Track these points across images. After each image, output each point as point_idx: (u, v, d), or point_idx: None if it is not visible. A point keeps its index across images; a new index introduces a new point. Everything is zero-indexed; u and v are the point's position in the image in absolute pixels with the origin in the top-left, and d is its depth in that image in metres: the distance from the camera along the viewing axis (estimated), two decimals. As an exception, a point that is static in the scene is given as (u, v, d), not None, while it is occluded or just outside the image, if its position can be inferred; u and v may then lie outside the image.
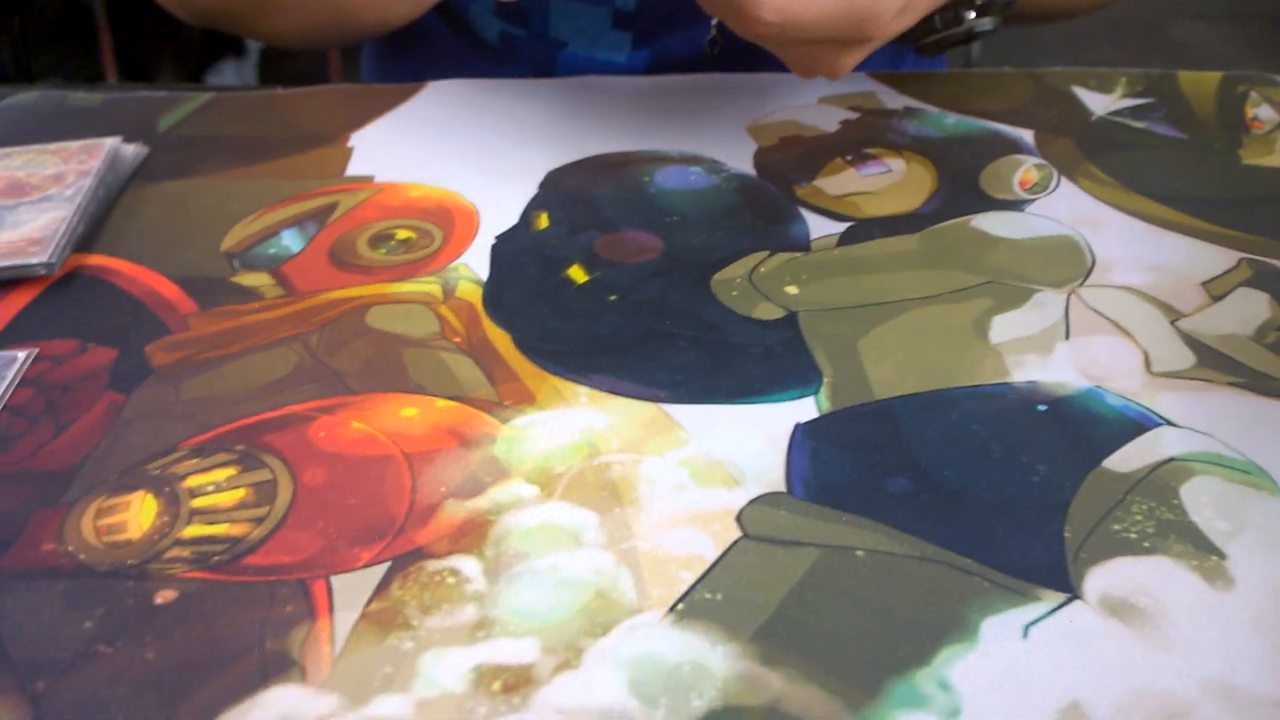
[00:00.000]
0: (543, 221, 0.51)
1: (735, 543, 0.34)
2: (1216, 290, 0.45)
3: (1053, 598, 0.32)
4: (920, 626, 0.32)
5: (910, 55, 0.74)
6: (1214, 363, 0.41)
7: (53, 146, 0.56)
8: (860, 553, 0.34)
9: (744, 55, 0.66)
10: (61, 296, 0.47)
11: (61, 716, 0.30)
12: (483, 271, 0.48)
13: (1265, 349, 0.42)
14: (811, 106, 0.60)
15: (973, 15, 0.56)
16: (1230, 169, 0.54)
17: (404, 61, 0.76)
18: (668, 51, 0.69)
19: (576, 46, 0.69)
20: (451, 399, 0.40)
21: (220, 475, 0.37)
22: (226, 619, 0.32)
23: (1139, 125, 0.58)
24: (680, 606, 0.32)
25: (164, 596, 0.33)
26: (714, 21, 0.67)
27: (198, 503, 0.36)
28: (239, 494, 0.36)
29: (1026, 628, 0.31)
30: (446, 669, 0.31)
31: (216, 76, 2.04)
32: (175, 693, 0.30)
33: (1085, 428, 0.38)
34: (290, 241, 0.50)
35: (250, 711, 0.30)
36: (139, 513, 0.36)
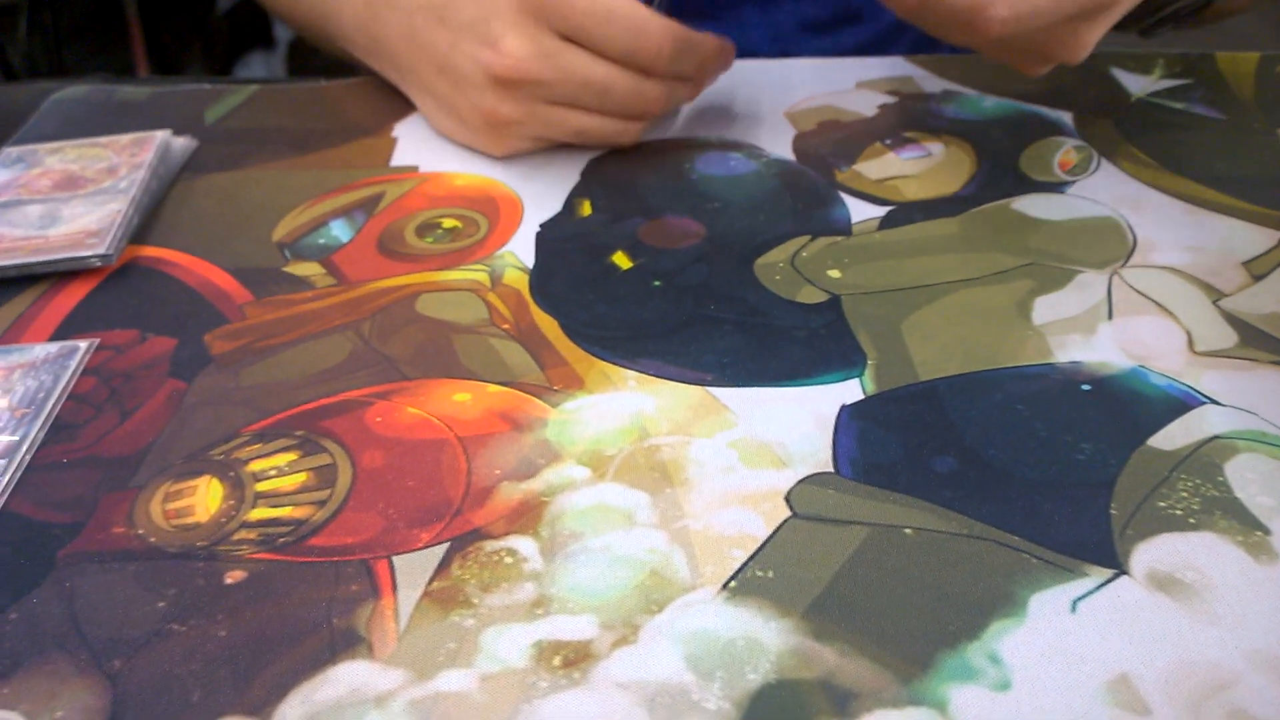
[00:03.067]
0: (586, 209, 0.52)
1: (785, 522, 0.35)
2: (1258, 270, 0.46)
3: (1100, 573, 0.33)
4: (969, 602, 0.32)
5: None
6: (1257, 341, 0.42)
7: (104, 140, 0.57)
8: (909, 530, 0.35)
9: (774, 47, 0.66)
10: (119, 288, 0.48)
11: (138, 693, 0.31)
12: (529, 259, 0.48)
13: (1308, 327, 0.42)
14: (849, 91, 0.60)
15: None
16: (1269, 149, 0.54)
17: None
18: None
19: None
20: (502, 384, 0.41)
21: (282, 460, 0.38)
22: (295, 598, 0.33)
23: (1178, 106, 0.58)
24: (733, 584, 0.33)
25: (233, 577, 0.34)
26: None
27: (262, 486, 0.37)
28: (301, 478, 0.37)
29: (1075, 602, 0.32)
30: (508, 645, 0.32)
31: (246, 69, 2.06)
32: (248, 668, 0.31)
33: (1129, 407, 0.39)
34: (339, 231, 0.51)
35: (321, 686, 0.31)
36: (205, 496, 0.37)
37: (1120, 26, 0.51)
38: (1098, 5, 0.45)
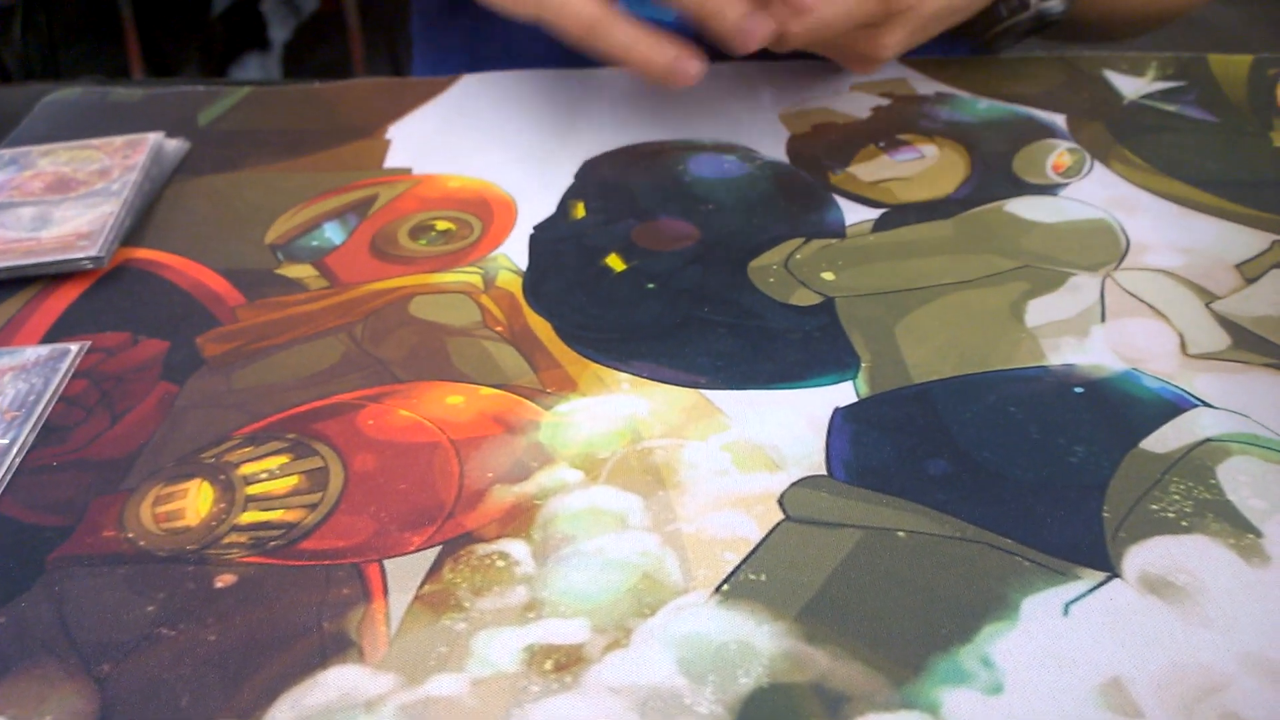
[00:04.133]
0: (580, 211, 0.52)
1: (778, 525, 0.35)
2: (1250, 272, 0.46)
3: (1092, 576, 0.33)
4: (962, 605, 0.32)
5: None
6: (1249, 344, 0.42)
7: (96, 142, 0.57)
8: (901, 533, 0.35)
9: None
10: (111, 290, 0.48)
11: (127, 697, 0.31)
12: (522, 261, 0.48)
13: (1300, 330, 0.42)
14: (844, 94, 0.60)
15: None
16: (1262, 152, 0.54)
17: (453, 18, 0.75)
18: None
19: (626, 2, 0.69)
20: (495, 387, 0.41)
21: (273, 463, 0.38)
22: (285, 602, 0.33)
23: (1170, 109, 0.58)
24: (725, 587, 0.33)
25: (223, 581, 0.34)
26: None
27: (253, 490, 0.37)
28: (292, 481, 0.37)
29: (1067, 605, 0.32)
30: (499, 649, 0.32)
31: (241, 70, 2.06)
32: (237, 673, 0.31)
33: (1122, 409, 0.39)
34: (332, 234, 0.51)
35: (311, 690, 0.31)
36: (196, 500, 0.37)
37: (962, 35, 0.54)
38: (888, 12, 0.49)
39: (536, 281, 0.47)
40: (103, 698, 0.31)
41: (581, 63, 0.56)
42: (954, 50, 0.64)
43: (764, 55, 0.66)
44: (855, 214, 0.51)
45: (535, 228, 0.50)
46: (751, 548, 0.34)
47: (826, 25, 0.48)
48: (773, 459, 0.38)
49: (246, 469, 0.38)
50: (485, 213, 0.52)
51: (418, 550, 0.35)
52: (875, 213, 0.51)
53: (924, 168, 0.54)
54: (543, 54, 0.61)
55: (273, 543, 0.35)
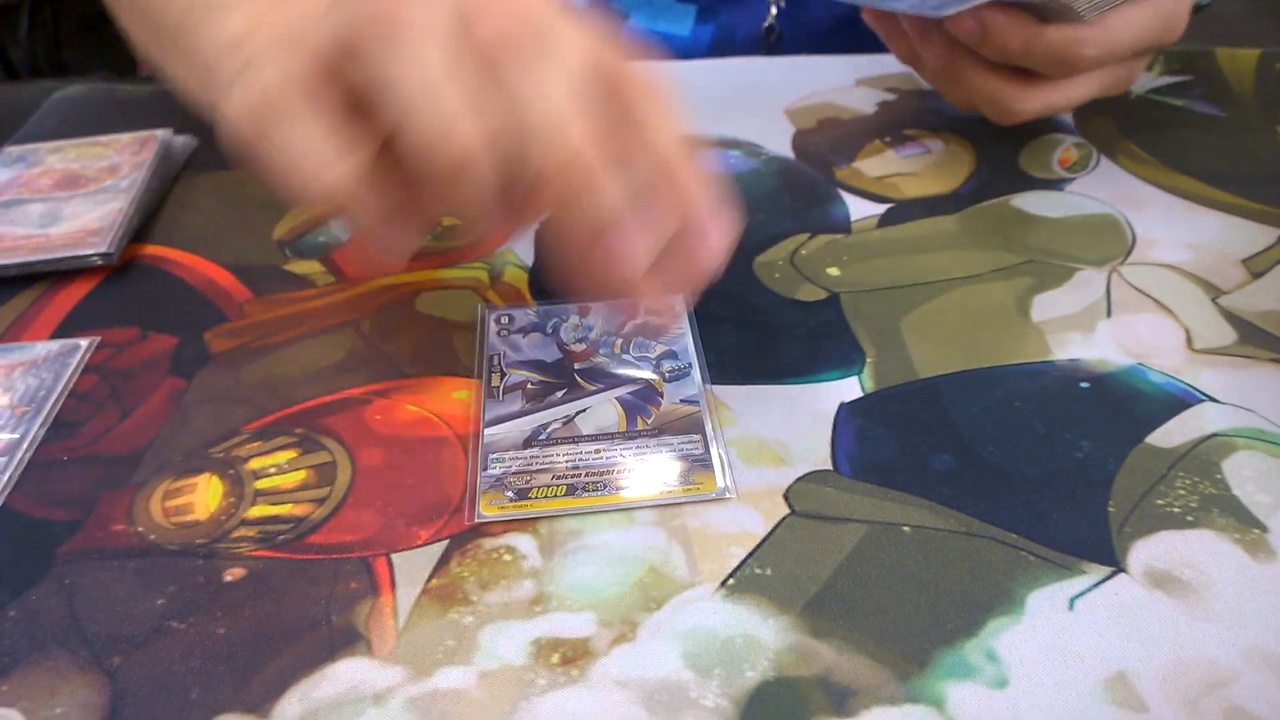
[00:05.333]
0: (586, 206, 0.52)
1: (783, 519, 0.35)
2: (1256, 267, 0.46)
3: (1098, 571, 0.33)
4: (967, 599, 0.32)
5: None
6: (1255, 339, 0.42)
7: (104, 139, 0.57)
8: (907, 528, 0.35)
9: (802, 40, 0.66)
10: (120, 286, 0.48)
11: (138, 690, 0.31)
12: (528, 257, 0.48)
13: (1306, 325, 0.42)
14: (849, 89, 0.60)
15: None
16: (1269, 146, 0.54)
17: None
18: (731, 27, 0.69)
19: (640, 19, 0.69)
20: (502, 381, 0.41)
21: (282, 457, 0.38)
22: (294, 595, 0.33)
23: (1178, 103, 0.58)
24: (731, 581, 0.33)
25: (233, 574, 0.34)
26: (772, 8, 0.67)
27: (261, 484, 0.37)
28: (300, 475, 0.38)
29: (1072, 600, 0.32)
30: (506, 642, 0.32)
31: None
32: (247, 666, 0.31)
33: (1128, 404, 0.39)
34: (339, 229, 0.51)
35: (320, 683, 0.31)
36: (205, 494, 0.37)
37: None
38: (1163, 41, 0.50)
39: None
40: (113, 690, 0.31)
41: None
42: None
43: (772, 50, 0.66)
44: (861, 209, 0.51)
45: (541, 223, 0.50)
46: (757, 542, 0.34)
47: (1120, 48, 0.48)
48: (778, 454, 0.38)
49: (255, 463, 0.38)
50: (492, 208, 0.52)
51: (425, 544, 0.35)
52: (881, 208, 0.51)
53: (930, 163, 0.54)
54: None
55: (281, 536, 0.35)
